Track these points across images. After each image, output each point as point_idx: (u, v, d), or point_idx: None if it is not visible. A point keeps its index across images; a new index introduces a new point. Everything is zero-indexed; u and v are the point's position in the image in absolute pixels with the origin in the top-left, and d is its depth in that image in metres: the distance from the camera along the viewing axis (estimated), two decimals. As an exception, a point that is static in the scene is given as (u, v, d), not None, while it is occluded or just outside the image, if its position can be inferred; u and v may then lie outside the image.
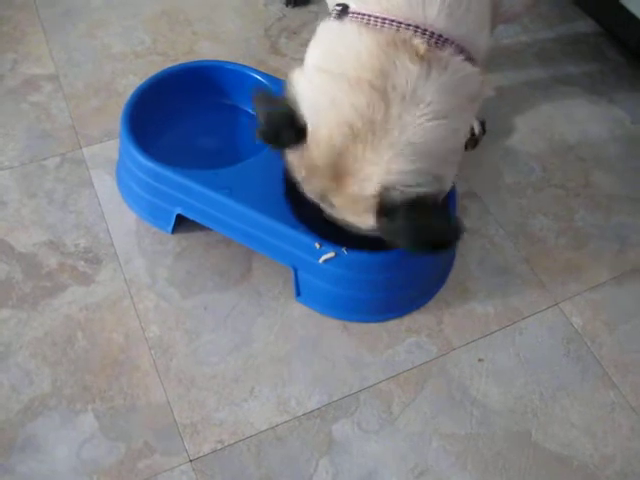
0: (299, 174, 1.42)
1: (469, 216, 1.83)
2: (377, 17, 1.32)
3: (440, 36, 1.31)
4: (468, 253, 1.76)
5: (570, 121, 2.06)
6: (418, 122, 1.29)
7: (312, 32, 1.42)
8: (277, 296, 1.67)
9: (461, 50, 1.33)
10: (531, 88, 2.13)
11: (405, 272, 1.61)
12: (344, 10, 1.36)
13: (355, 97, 1.28)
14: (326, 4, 1.50)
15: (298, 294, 1.67)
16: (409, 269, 1.61)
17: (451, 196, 1.62)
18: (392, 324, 1.64)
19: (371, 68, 1.28)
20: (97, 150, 1.89)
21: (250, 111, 1.91)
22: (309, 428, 1.49)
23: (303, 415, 1.51)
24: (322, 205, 1.45)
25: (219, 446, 1.46)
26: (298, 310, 1.65)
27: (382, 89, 1.27)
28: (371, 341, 1.61)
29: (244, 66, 1.90)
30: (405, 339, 1.62)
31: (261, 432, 1.48)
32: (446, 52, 1.31)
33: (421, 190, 1.31)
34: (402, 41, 1.29)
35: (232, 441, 1.47)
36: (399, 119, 1.28)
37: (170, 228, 1.74)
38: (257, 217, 1.59)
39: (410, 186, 1.30)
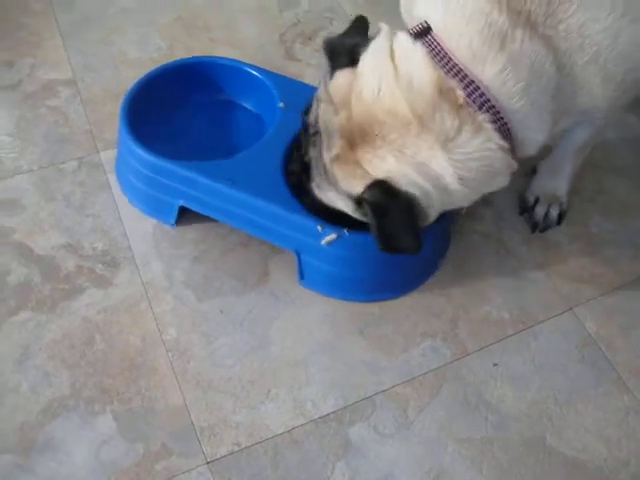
0: (326, 104, 1.43)
1: (484, 222, 1.84)
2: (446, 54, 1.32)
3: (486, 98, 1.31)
4: (483, 258, 1.77)
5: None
6: (443, 159, 1.33)
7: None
8: (294, 300, 1.68)
9: (498, 120, 1.32)
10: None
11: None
12: (426, 31, 1.35)
13: (396, 110, 1.33)
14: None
15: (301, 278, 1.69)
16: None
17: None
18: (407, 328, 1.65)
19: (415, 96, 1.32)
20: (114, 154, 1.90)
21: (246, 106, 1.95)
22: (325, 431, 1.50)
23: (319, 418, 1.52)
24: (309, 156, 1.50)
25: (236, 448, 1.47)
26: (314, 314, 1.66)
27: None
28: (387, 345, 1.62)
29: (239, 62, 1.93)
30: (420, 343, 1.63)
31: (278, 435, 1.49)
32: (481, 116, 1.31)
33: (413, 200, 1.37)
34: (447, 88, 1.31)
35: (249, 443, 1.48)
36: (433, 144, 1.32)
37: (173, 220, 1.77)
38: (259, 204, 1.63)
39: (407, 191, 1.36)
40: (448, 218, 1.66)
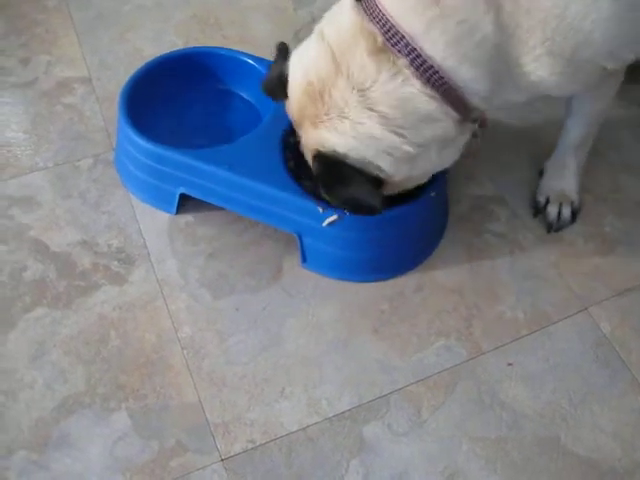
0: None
1: (497, 221, 1.84)
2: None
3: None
4: (497, 258, 1.77)
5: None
6: (358, 109, 1.39)
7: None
8: (307, 298, 1.68)
9: (422, 65, 1.35)
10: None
11: (401, 229, 1.68)
12: None
13: (319, 63, 1.41)
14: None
15: (304, 260, 1.72)
16: (404, 226, 1.69)
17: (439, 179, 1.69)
18: (422, 327, 1.65)
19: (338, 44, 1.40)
20: (129, 152, 1.91)
21: (243, 95, 1.97)
22: (340, 429, 1.50)
23: (334, 416, 1.52)
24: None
25: (250, 446, 1.48)
26: (328, 312, 1.67)
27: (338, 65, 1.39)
28: (401, 344, 1.63)
29: (238, 51, 1.95)
30: (434, 342, 1.63)
31: (292, 432, 1.50)
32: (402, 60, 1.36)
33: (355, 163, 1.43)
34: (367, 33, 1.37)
35: (263, 441, 1.49)
36: (342, 100, 1.39)
37: (174, 209, 1.79)
38: (260, 188, 1.66)
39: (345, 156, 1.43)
40: (442, 195, 1.74)
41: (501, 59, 1.37)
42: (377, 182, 1.47)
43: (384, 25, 1.35)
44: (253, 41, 2.21)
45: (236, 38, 2.22)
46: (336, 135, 1.42)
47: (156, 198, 1.80)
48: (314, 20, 2.25)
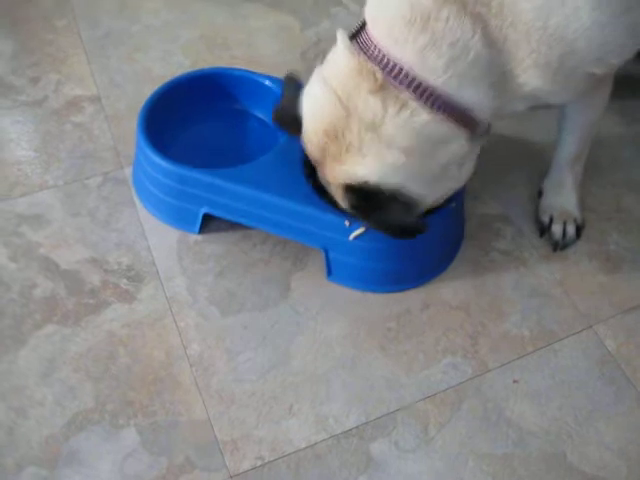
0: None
1: (503, 239, 1.85)
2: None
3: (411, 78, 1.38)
4: (503, 275, 1.79)
5: (601, 145, 2.07)
6: (376, 147, 1.42)
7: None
8: (315, 316, 1.70)
9: (424, 93, 1.38)
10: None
11: (425, 238, 1.67)
12: (360, 30, 1.46)
13: (328, 109, 1.44)
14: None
15: (329, 274, 1.74)
16: (428, 235, 1.67)
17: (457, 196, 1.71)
18: (428, 345, 1.66)
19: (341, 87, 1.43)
20: (138, 170, 1.93)
21: (259, 115, 1.99)
22: (347, 446, 1.51)
23: (341, 433, 1.53)
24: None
25: (259, 463, 1.49)
26: (336, 330, 1.68)
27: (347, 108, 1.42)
28: (407, 361, 1.64)
29: (253, 72, 1.98)
30: (441, 360, 1.64)
31: (300, 450, 1.51)
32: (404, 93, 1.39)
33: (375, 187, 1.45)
34: (367, 72, 1.40)
35: (272, 458, 1.50)
36: (358, 140, 1.42)
37: (197, 229, 1.81)
38: (288, 205, 1.68)
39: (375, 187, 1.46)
40: (460, 203, 1.78)
41: (497, 73, 1.40)
42: (412, 205, 1.49)
43: (381, 60, 1.38)
44: (261, 61, 2.23)
45: (244, 58, 2.25)
46: (363, 168, 1.44)
47: (177, 218, 1.82)
48: (320, 40, 2.31)
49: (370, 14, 1.44)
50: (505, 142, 2.03)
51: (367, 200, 1.47)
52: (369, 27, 1.43)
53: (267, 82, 1.94)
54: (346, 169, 1.46)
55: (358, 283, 1.74)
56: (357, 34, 1.45)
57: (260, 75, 1.96)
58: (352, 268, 1.73)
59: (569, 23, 1.33)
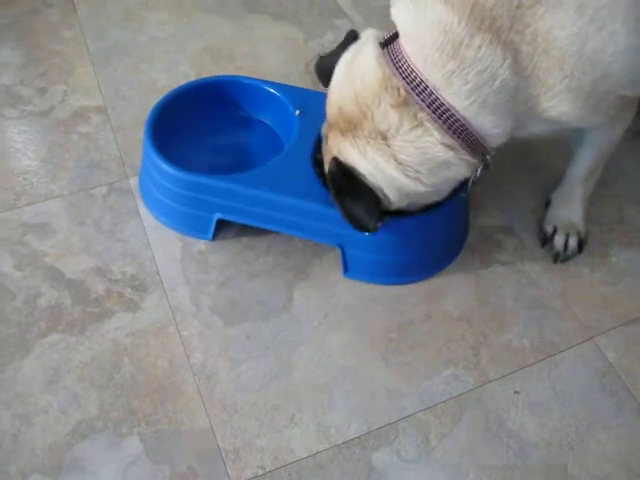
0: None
1: (505, 250, 1.86)
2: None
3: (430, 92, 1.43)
4: (504, 287, 1.80)
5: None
6: (379, 153, 1.48)
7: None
8: (317, 326, 1.71)
9: (442, 115, 1.43)
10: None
11: (437, 229, 1.77)
12: (391, 40, 1.50)
13: (347, 100, 1.51)
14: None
15: (345, 271, 1.78)
16: (440, 226, 1.77)
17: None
18: (430, 355, 1.67)
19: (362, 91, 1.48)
20: (143, 180, 1.94)
21: (264, 122, 2.02)
22: (349, 456, 1.52)
23: (343, 443, 1.54)
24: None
25: (260, 472, 1.50)
26: (338, 340, 1.69)
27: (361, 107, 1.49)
28: (409, 371, 1.65)
29: (258, 80, 2.00)
30: (442, 371, 1.65)
31: (302, 459, 1.52)
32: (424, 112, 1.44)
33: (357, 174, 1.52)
34: (392, 86, 1.45)
35: (273, 467, 1.50)
36: (366, 139, 1.48)
37: (210, 235, 1.82)
38: (302, 205, 1.71)
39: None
40: (465, 198, 1.80)
41: (520, 100, 1.42)
42: (383, 205, 1.55)
43: (408, 75, 1.43)
44: (265, 72, 2.25)
45: (248, 69, 2.27)
46: (359, 157, 1.50)
47: (189, 226, 1.84)
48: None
49: (404, 29, 1.46)
50: (508, 154, 2.03)
51: (346, 179, 1.53)
52: (402, 41, 1.46)
53: (272, 89, 1.96)
54: (344, 145, 1.51)
55: (376, 277, 1.78)
56: (388, 43, 1.49)
57: (265, 82, 1.98)
58: (369, 263, 1.76)
59: (605, 47, 1.35)
